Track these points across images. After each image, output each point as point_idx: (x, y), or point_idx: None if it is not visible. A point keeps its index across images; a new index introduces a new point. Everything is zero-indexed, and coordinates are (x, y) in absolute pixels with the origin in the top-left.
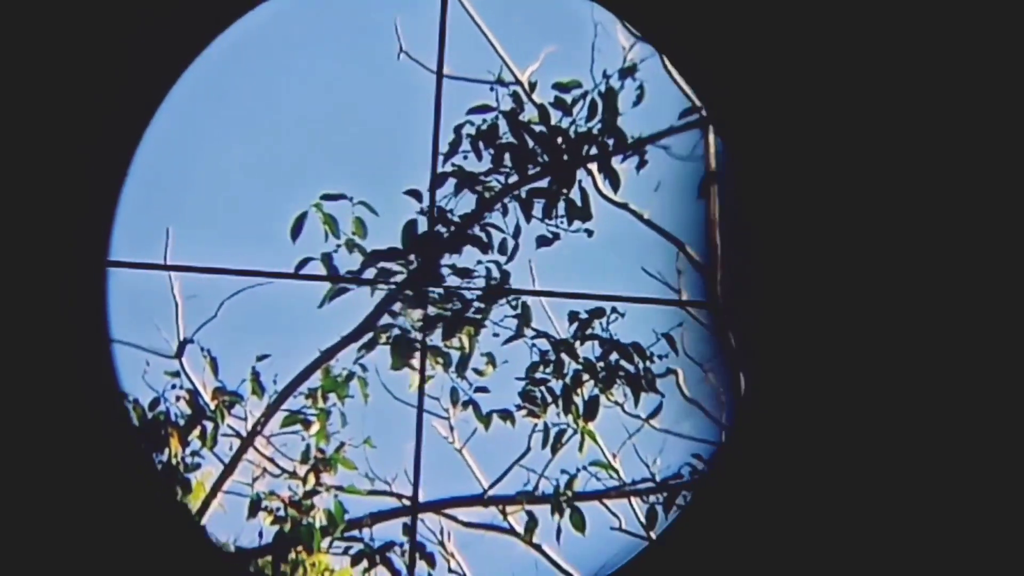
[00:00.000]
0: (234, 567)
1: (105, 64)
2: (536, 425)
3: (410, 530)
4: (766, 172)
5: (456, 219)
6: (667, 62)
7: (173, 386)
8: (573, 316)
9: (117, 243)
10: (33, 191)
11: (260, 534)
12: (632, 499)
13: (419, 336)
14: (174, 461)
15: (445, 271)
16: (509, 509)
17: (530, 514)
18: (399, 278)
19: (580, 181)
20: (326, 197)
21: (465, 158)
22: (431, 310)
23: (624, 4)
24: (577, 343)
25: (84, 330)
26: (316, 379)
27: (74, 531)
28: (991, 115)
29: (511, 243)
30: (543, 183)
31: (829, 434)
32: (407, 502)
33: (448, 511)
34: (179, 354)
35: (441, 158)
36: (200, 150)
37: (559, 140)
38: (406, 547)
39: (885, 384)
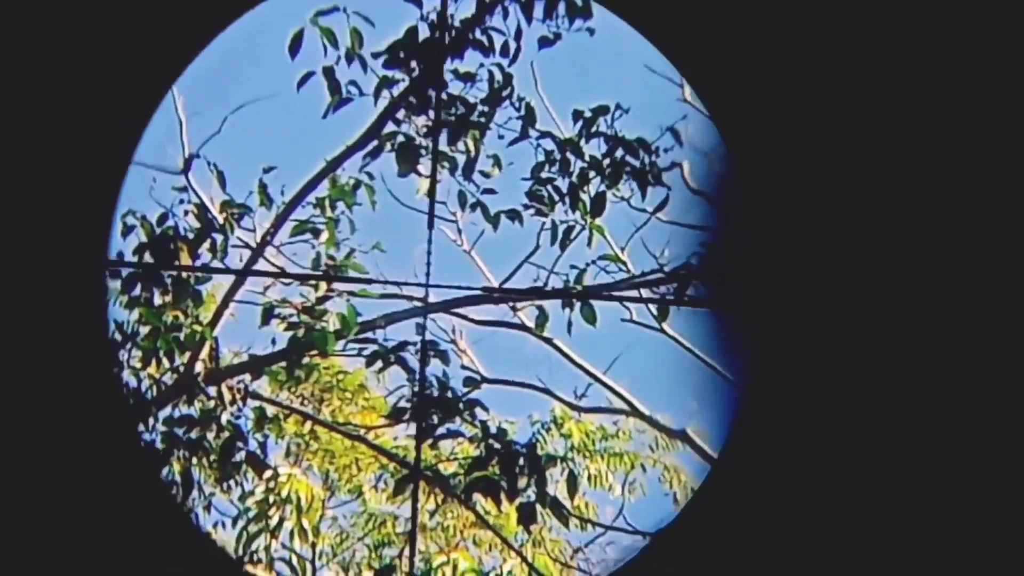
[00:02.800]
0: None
1: (105, 64)
2: (544, 223)
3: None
4: (768, 173)
5: (457, 24)
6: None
7: (181, 201)
8: (577, 114)
9: None
10: (33, 191)
11: (273, 341)
12: (642, 290)
13: (424, 142)
14: (185, 275)
15: (448, 76)
16: (520, 305)
17: (540, 308)
18: (402, 86)
19: None
20: (320, 13)
21: None
22: (433, 115)
23: (627, 6)
24: (582, 140)
25: (84, 330)
26: (323, 188)
27: (73, 529)
28: (990, 117)
29: (513, 45)
30: None
31: (830, 434)
32: (419, 303)
33: (459, 310)
34: (186, 169)
35: None
36: None
37: None
38: (419, 346)
39: (887, 384)
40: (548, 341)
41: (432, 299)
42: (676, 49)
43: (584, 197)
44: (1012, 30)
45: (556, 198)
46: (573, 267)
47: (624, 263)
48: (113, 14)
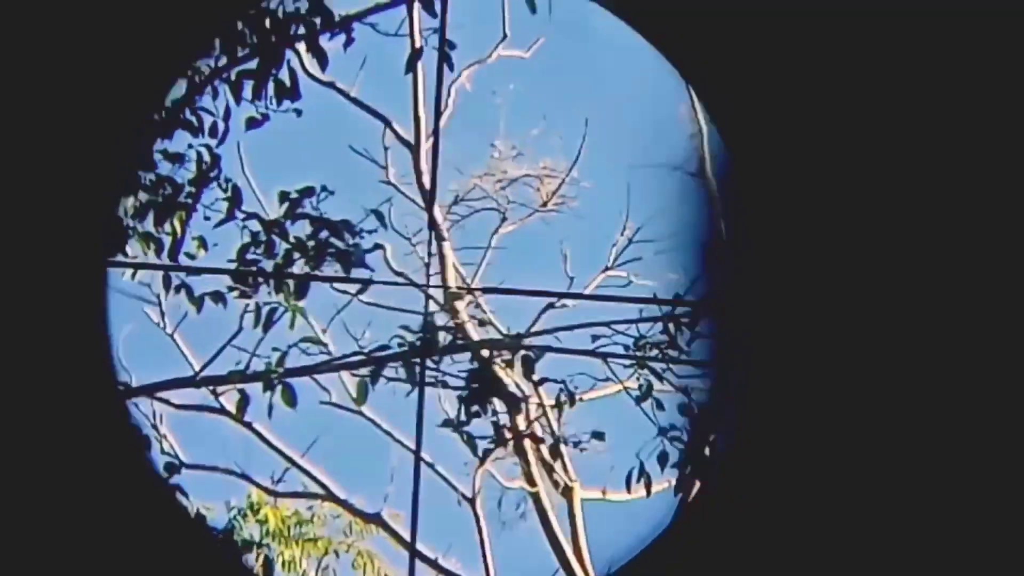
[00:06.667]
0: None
1: (106, 64)
2: (248, 305)
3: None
4: (765, 171)
5: (167, 104)
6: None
7: None
8: (283, 196)
9: None
10: (33, 191)
11: None
12: (342, 372)
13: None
14: None
15: (157, 157)
16: (220, 389)
17: (242, 392)
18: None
19: (288, 61)
20: None
21: None
22: (143, 196)
23: (625, 7)
24: (288, 222)
25: (84, 330)
26: None
27: (71, 527)
28: (989, 114)
29: (221, 126)
30: (252, 64)
31: (829, 440)
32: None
33: (160, 394)
34: None
35: None
36: None
37: (267, 21)
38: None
39: (887, 386)
40: (248, 425)
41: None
42: (674, 49)
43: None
44: (1011, 29)
45: (260, 280)
46: (275, 349)
47: (325, 345)
48: (114, 13)
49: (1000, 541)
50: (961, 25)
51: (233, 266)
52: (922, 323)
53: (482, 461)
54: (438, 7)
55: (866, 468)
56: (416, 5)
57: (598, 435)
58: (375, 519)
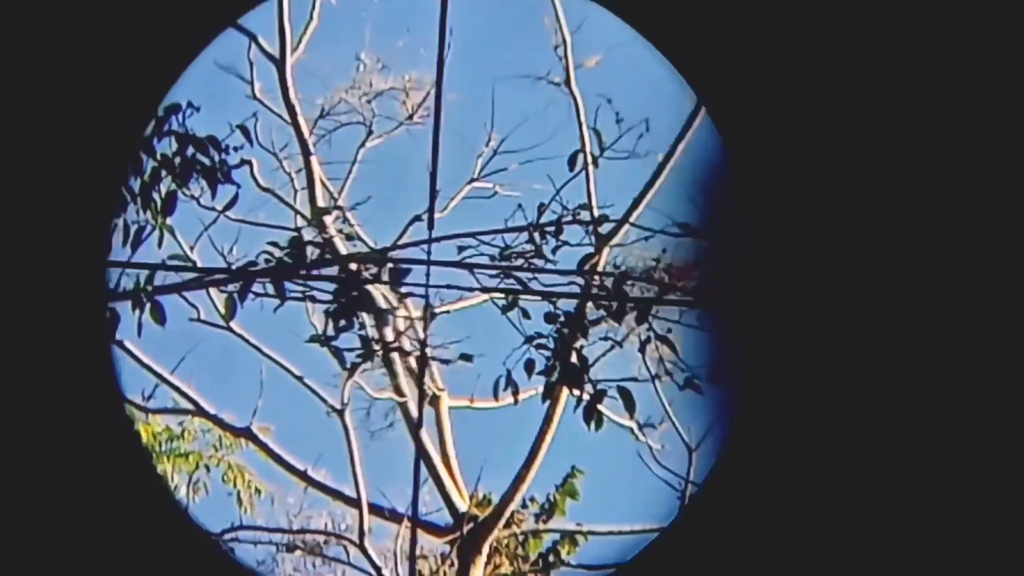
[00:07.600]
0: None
1: (106, 65)
2: (115, 223)
3: None
4: (766, 171)
5: None
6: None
7: None
8: None
9: None
10: (33, 192)
11: None
12: (210, 289)
13: None
14: None
15: None
16: None
17: (112, 310)
18: None
19: None
20: None
21: None
22: None
23: (625, 7)
24: (154, 139)
25: (83, 330)
26: None
27: (71, 530)
28: (988, 114)
29: None
30: None
31: (828, 441)
32: None
33: None
34: None
35: None
36: None
37: None
38: None
39: (885, 389)
40: (119, 343)
41: None
42: (674, 49)
43: (155, 196)
44: (1010, 27)
45: (128, 199)
46: (144, 267)
47: (194, 262)
48: (115, 14)
49: (1000, 541)
50: (960, 20)
51: None
52: (921, 319)
53: (350, 374)
54: None
55: (866, 468)
56: None
57: (466, 357)
58: (245, 433)
